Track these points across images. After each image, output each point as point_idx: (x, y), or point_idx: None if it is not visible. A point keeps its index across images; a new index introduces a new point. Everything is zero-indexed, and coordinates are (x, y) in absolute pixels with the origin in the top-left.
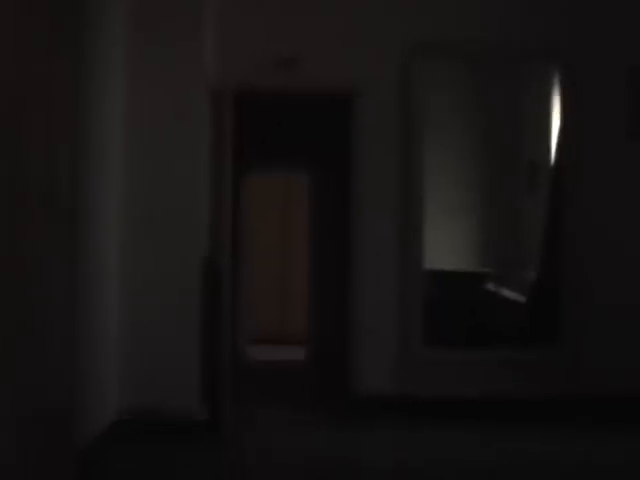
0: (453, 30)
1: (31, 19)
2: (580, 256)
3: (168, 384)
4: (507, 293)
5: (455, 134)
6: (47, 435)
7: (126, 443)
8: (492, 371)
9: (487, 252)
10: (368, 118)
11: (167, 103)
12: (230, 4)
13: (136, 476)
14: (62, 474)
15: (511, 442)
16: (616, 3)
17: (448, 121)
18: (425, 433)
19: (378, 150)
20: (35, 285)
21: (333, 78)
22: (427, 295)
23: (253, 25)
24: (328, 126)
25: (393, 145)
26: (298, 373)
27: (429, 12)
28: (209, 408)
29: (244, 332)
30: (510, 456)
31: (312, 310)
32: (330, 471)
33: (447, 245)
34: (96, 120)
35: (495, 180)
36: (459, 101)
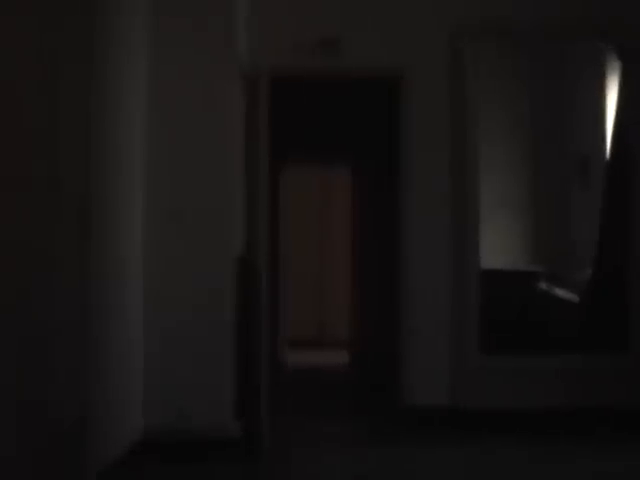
0: (504, 8)
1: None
2: None
3: (198, 397)
4: (561, 293)
5: (503, 123)
6: (54, 455)
7: (150, 464)
8: (555, 380)
9: (538, 250)
10: (416, 104)
11: (195, 89)
12: None
13: None
14: None
15: (580, 460)
16: None
17: (495, 109)
18: (483, 450)
19: (427, 138)
20: (38, 288)
21: (378, 60)
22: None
23: (290, 3)
24: (372, 114)
25: (444, 133)
26: (340, 380)
27: None
28: (244, 423)
29: (281, 335)
30: (580, 477)
31: (355, 313)
32: None
33: (495, 242)
34: (115, 111)
35: (546, 174)
36: (507, 87)
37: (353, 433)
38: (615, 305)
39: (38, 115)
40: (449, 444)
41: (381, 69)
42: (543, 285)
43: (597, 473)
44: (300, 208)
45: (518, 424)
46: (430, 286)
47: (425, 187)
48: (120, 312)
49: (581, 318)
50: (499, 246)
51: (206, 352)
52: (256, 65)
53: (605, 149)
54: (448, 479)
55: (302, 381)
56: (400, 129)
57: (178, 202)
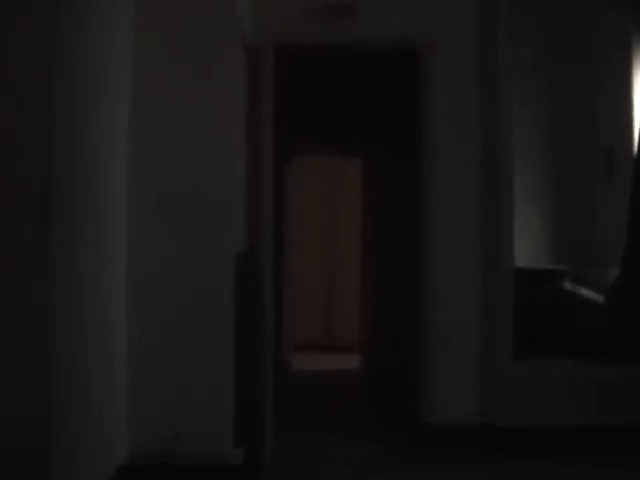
0: None
1: None
2: None
3: (191, 417)
4: (587, 293)
5: (521, 107)
6: None
7: None
8: (604, 392)
9: (560, 247)
10: (440, 79)
11: (189, 60)
12: None
13: None
14: None
15: None
16: None
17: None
18: (520, 476)
19: (453, 118)
20: None
21: (397, 29)
22: None
23: None
24: (386, 92)
25: (472, 112)
26: (351, 389)
27: None
28: (245, 449)
29: (287, 339)
30: None
31: (366, 313)
32: None
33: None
34: (91, 84)
35: (568, 165)
36: (529, 67)
37: (368, 455)
38: None
39: None
40: (480, 468)
41: (401, 39)
42: (567, 285)
43: None
44: (307, 198)
45: (559, 443)
46: (457, 286)
47: (450, 174)
48: (98, 315)
49: (610, 321)
50: (518, 243)
51: (202, 363)
52: (260, 33)
53: (632, 138)
54: None
55: (309, 390)
56: (422, 108)
57: (169, 189)
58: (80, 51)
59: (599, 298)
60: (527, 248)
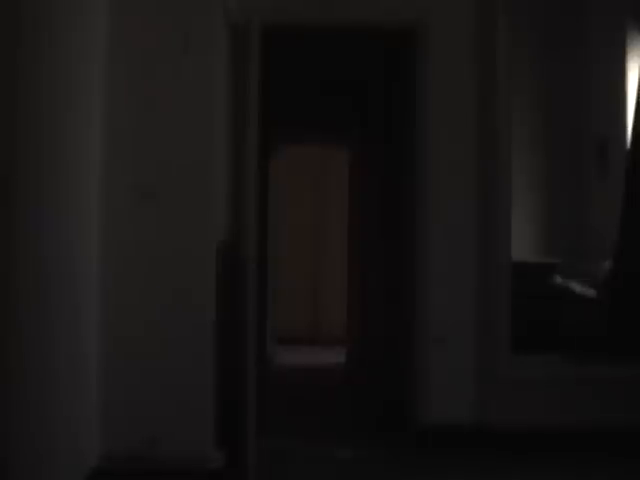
0: None
1: None
2: None
3: (169, 418)
4: (579, 288)
5: (514, 102)
6: None
7: None
8: (604, 391)
9: (552, 240)
10: (435, 62)
11: (168, 37)
12: None
13: None
14: None
15: None
16: None
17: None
18: (517, 477)
19: (448, 104)
20: None
21: (390, 7)
22: None
23: None
24: (380, 77)
25: (469, 98)
26: (338, 386)
27: None
28: (227, 451)
29: (271, 332)
30: None
31: (354, 308)
32: None
33: None
34: (60, 57)
35: (560, 157)
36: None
37: (355, 458)
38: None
39: None
40: (474, 470)
41: (395, 18)
42: (558, 279)
43: None
44: (293, 188)
45: (556, 443)
46: (451, 280)
47: (445, 163)
48: (68, 309)
49: (605, 317)
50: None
51: (181, 361)
52: (246, 12)
53: (625, 130)
54: None
55: (293, 387)
56: (416, 92)
57: (145, 177)
58: (49, 27)
59: (591, 293)
60: (517, 241)
